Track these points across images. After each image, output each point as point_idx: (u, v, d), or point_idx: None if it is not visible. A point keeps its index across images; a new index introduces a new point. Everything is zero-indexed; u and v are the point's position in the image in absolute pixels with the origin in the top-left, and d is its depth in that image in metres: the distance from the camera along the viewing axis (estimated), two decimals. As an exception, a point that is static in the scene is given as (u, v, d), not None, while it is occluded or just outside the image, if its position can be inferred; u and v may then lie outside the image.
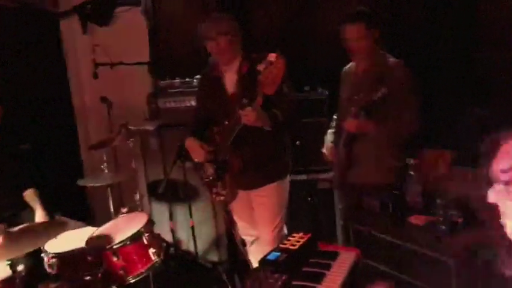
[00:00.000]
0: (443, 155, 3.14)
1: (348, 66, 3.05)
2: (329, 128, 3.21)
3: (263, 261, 2.00)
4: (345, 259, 2.07)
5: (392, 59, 2.79)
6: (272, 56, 2.38)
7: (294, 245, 2.09)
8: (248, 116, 2.58)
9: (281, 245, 2.12)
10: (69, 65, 4.71)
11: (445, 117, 3.59)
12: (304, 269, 2.00)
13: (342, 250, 2.18)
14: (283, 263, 1.95)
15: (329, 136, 3.11)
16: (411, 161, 2.65)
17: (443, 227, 2.30)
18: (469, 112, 3.46)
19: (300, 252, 2.05)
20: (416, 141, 2.88)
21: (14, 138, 3.58)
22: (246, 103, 2.57)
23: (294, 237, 2.18)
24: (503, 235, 1.32)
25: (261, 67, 2.42)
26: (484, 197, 1.32)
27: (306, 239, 2.15)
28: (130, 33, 4.45)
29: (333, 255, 2.10)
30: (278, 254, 2.03)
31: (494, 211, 1.32)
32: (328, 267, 2.00)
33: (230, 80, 2.91)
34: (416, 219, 2.46)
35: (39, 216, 3.21)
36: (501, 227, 1.32)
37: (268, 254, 2.05)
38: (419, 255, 2.36)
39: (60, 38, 4.70)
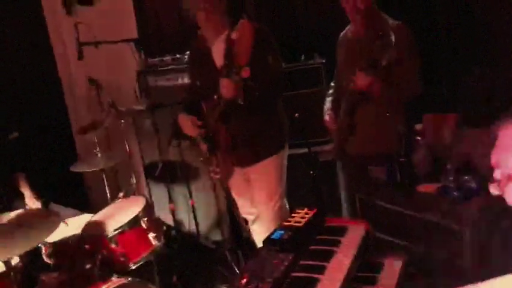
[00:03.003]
0: (448, 119, 3.02)
1: (345, 30, 2.92)
2: (327, 96, 3.07)
3: (267, 241, 1.89)
4: (355, 233, 1.97)
5: (391, 21, 2.65)
6: (240, 24, 2.29)
7: (299, 222, 1.98)
8: (225, 88, 2.47)
9: (285, 223, 2.01)
10: (55, 46, 4.54)
11: (445, 80, 3.48)
12: (312, 247, 1.89)
13: (350, 224, 2.07)
14: (289, 242, 1.84)
15: (328, 104, 2.99)
16: (418, 126, 2.52)
17: (456, 194, 2.17)
18: (470, 72, 3.35)
19: (305, 230, 1.94)
20: (418, 106, 2.77)
21: (1, 127, 3.46)
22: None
23: (298, 213, 2.07)
24: None
25: (234, 35, 2.32)
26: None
27: (311, 214, 2.04)
28: (115, 11, 4.31)
29: (342, 231, 2.00)
30: (282, 232, 1.92)
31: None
32: (337, 243, 1.90)
33: (218, 52, 2.75)
34: (426, 187, 2.34)
35: (29, 200, 3.14)
36: None
37: (272, 233, 1.94)
38: (431, 225, 2.25)
39: (44, 19, 4.51)
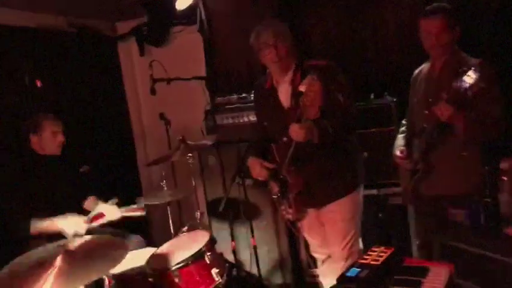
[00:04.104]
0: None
1: (419, 68, 2.83)
2: (398, 134, 2.96)
3: (342, 278, 1.77)
4: (438, 275, 1.81)
5: (472, 59, 2.54)
6: (309, 78, 2.27)
7: (376, 260, 1.85)
8: (296, 132, 2.44)
9: (361, 260, 1.88)
10: (126, 84, 4.75)
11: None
12: (392, 287, 1.75)
13: (432, 265, 1.91)
14: (366, 280, 1.73)
15: (400, 140, 2.87)
16: (503, 165, 2.34)
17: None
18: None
19: (384, 268, 1.81)
20: (502, 145, 2.60)
21: (74, 161, 3.57)
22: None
23: (374, 251, 1.95)
24: None
25: (302, 88, 2.29)
26: None
27: (389, 253, 1.91)
28: (186, 51, 4.48)
29: (423, 272, 1.84)
30: (358, 270, 1.80)
31: None
32: (418, 284, 1.74)
33: (284, 93, 2.74)
34: (516, 230, 2.15)
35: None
36: None
37: (347, 270, 1.83)
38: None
39: (118, 60, 4.75)
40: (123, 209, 3.18)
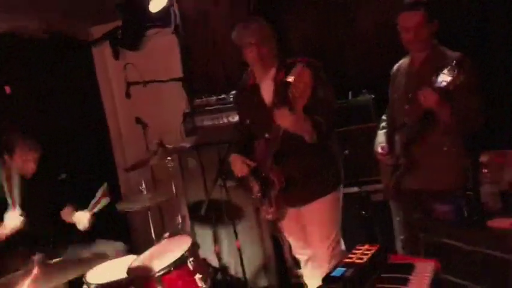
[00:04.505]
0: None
1: (398, 63, 2.83)
2: (378, 130, 2.95)
3: (328, 279, 1.73)
4: (424, 272, 1.79)
5: (451, 52, 2.54)
6: (299, 67, 2.22)
7: (361, 258, 1.82)
8: (284, 116, 2.34)
9: (346, 260, 1.85)
10: (102, 88, 4.66)
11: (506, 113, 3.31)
12: (378, 285, 1.72)
13: (417, 261, 1.89)
14: (352, 280, 1.69)
15: (381, 137, 2.85)
16: (483, 158, 2.34)
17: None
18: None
19: (369, 266, 1.78)
20: (479, 139, 2.61)
21: (52, 170, 3.48)
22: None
23: (359, 249, 1.92)
24: None
25: (290, 79, 2.24)
26: None
27: (374, 250, 1.88)
28: (162, 53, 4.41)
29: (409, 268, 1.82)
30: (344, 269, 1.76)
31: None
32: (405, 282, 1.72)
33: (267, 89, 2.71)
34: (499, 222, 2.14)
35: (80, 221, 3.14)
36: None
37: (333, 270, 1.79)
38: (503, 262, 2.03)
39: (93, 64, 4.65)
40: (88, 209, 3.14)
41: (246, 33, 2.63)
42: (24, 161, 3.03)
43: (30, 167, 3.07)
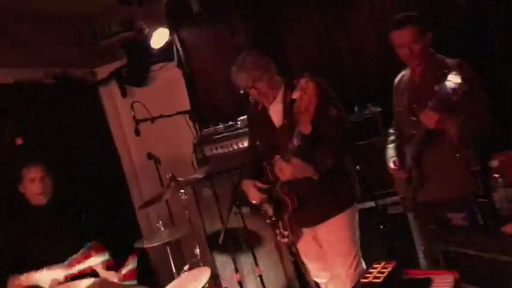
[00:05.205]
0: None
1: (400, 75, 2.82)
2: (387, 143, 2.94)
3: (346, 301, 1.72)
4: (442, 285, 1.76)
5: (449, 60, 2.54)
6: (302, 81, 2.22)
7: (377, 278, 1.81)
8: (283, 171, 2.46)
9: (363, 280, 1.84)
10: (112, 127, 4.72)
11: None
12: (396, 303, 1.71)
13: (434, 275, 1.87)
14: (370, 301, 1.68)
15: (391, 151, 2.84)
16: (494, 163, 2.32)
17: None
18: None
19: (386, 285, 1.77)
20: (489, 143, 2.58)
21: (73, 210, 3.52)
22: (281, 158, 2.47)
23: (375, 268, 1.90)
24: None
25: (296, 95, 2.25)
26: None
27: (390, 268, 1.86)
28: (168, 87, 4.48)
29: (426, 283, 1.80)
30: (361, 290, 1.75)
31: None
32: (423, 297, 1.70)
33: (276, 112, 2.73)
34: (515, 227, 2.11)
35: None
36: None
37: (350, 292, 1.78)
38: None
39: (101, 104, 4.74)
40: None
41: (242, 76, 2.67)
42: (32, 180, 3.03)
43: (35, 187, 3.05)
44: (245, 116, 3.42)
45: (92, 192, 4.20)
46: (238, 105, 3.94)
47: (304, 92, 2.19)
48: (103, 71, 4.70)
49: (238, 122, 3.84)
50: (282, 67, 2.81)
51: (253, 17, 4.16)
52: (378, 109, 3.49)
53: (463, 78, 2.21)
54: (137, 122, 3.55)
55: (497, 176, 2.29)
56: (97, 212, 4.08)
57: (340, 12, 3.93)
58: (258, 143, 2.91)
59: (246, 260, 3.71)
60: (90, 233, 3.56)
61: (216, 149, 3.86)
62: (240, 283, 3.54)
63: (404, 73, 2.78)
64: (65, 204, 3.29)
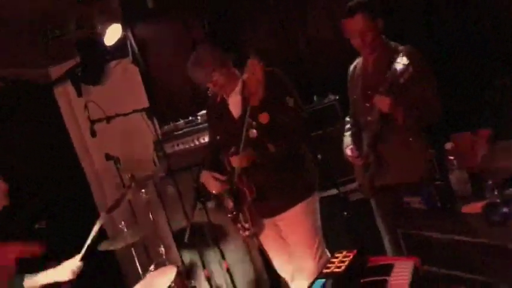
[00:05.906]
0: (480, 134, 2.87)
1: (354, 64, 2.84)
2: (344, 131, 2.96)
3: (308, 293, 1.73)
4: (403, 270, 1.79)
5: (400, 46, 2.56)
6: (249, 63, 2.22)
7: (339, 267, 1.82)
8: (237, 163, 2.54)
9: (325, 270, 1.85)
10: (70, 129, 4.59)
11: (468, 96, 3.36)
12: (358, 292, 1.72)
13: (396, 261, 1.89)
14: (332, 291, 1.68)
15: (347, 139, 2.87)
16: (448, 146, 2.36)
17: (505, 210, 1.98)
18: (493, 85, 3.23)
19: (348, 274, 1.78)
20: (443, 126, 2.64)
21: (29, 217, 3.40)
22: (233, 151, 2.53)
23: (337, 257, 1.91)
24: None
25: (245, 77, 2.26)
26: None
27: (351, 257, 1.88)
28: (124, 84, 4.39)
29: (387, 269, 1.82)
30: (323, 280, 1.76)
31: None
32: (384, 284, 1.72)
33: (234, 103, 2.72)
34: (471, 208, 2.15)
35: None
36: None
37: (312, 283, 1.78)
38: (482, 247, 2.03)
39: (57, 106, 4.60)
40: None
41: (198, 71, 2.66)
42: None
43: None
44: (205, 111, 3.38)
45: (52, 198, 4.07)
46: (198, 100, 3.89)
47: (252, 73, 2.19)
48: (55, 71, 4.55)
49: (199, 117, 3.79)
50: (240, 60, 2.78)
51: (209, 11, 4.11)
52: (337, 97, 3.52)
53: (410, 61, 2.23)
54: (93, 122, 3.44)
55: (452, 158, 2.33)
56: (59, 218, 3.98)
57: (296, 3, 3.92)
58: (218, 137, 2.88)
59: (213, 256, 3.68)
60: (50, 240, 3.46)
61: (177, 145, 3.80)
62: (208, 279, 3.52)
63: (358, 61, 2.80)
64: (19, 213, 3.18)
